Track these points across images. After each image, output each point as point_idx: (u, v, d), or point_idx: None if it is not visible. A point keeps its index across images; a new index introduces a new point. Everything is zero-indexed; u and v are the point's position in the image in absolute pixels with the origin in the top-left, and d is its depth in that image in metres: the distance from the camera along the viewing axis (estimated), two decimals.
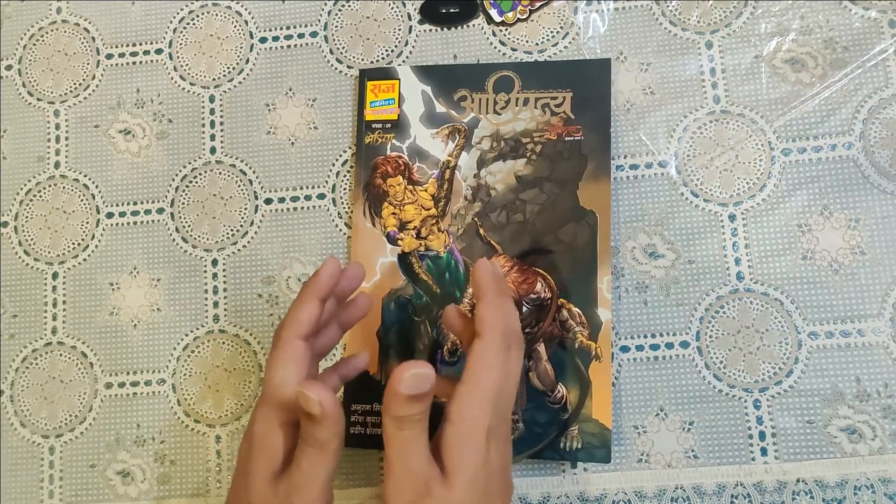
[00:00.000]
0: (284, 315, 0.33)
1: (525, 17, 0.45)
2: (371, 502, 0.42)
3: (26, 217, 0.47)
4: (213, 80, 0.47)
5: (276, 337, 0.32)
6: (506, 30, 0.46)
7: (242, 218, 0.46)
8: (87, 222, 0.46)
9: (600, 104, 0.42)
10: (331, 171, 0.45)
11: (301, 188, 0.45)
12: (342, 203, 0.45)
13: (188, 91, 0.47)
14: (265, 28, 0.47)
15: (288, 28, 0.47)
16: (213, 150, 0.46)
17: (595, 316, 0.40)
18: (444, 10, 0.46)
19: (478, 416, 0.30)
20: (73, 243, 0.46)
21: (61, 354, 0.45)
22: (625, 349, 0.42)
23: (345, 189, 0.45)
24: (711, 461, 0.40)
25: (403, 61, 0.46)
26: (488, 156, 0.43)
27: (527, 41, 0.45)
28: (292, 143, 0.46)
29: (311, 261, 0.45)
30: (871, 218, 0.41)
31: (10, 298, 0.46)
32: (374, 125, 0.44)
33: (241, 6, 0.48)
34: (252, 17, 0.48)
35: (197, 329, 0.45)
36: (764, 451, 0.40)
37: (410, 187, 0.43)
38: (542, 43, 0.45)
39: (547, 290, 0.41)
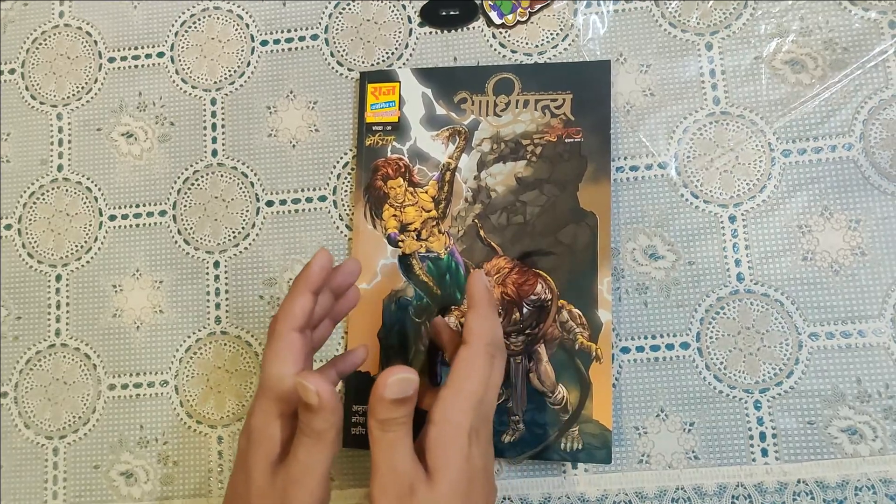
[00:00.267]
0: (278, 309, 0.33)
1: (525, 19, 0.45)
2: (365, 502, 0.42)
3: (30, 220, 0.47)
4: (215, 82, 0.47)
5: (270, 330, 0.33)
6: (506, 32, 0.46)
7: (244, 220, 0.46)
8: (90, 225, 0.47)
9: (600, 106, 0.42)
10: (332, 173, 0.46)
11: (302, 190, 0.46)
12: (343, 205, 0.45)
13: (190, 94, 0.48)
14: (266, 31, 0.48)
15: (289, 31, 0.47)
16: (214, 153, 0.47)
17: (595, 317, 0.40)
18: (444, 13, 0.46)
19: (460, 418, 0.31)
20: (76, 246, 0.47)
21: (65, 356, 0.45)
22: (625, 350, 0.42)
23: (346, 191, 0.45)
24: (712, 462, 0.40)
25: (404, 64, 0.46)
26: (488, 158, 0.43)
27: (527, 43, 0.45)
28: (293, 146, 0.46)
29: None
30: (872, 219, 0.41)
31: (13, 300, 0.46)
32: (374, 127, 0.45)
33: (242, 9, 0.48)
34: (253, 20, 0.48)
35: (199, 330, 0.45)
36: (765, 452, 0.40)
37: (411, 189, 0.44)
38: (541, 45, 0.45)
39: (547, 291, 0.41)
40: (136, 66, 0.48)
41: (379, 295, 0.43)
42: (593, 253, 0.41)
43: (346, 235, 0.45)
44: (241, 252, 0.45)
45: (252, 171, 0.46)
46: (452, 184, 0.43)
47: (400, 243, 0.43)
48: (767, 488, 0.40)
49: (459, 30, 0.46)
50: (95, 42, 0.49)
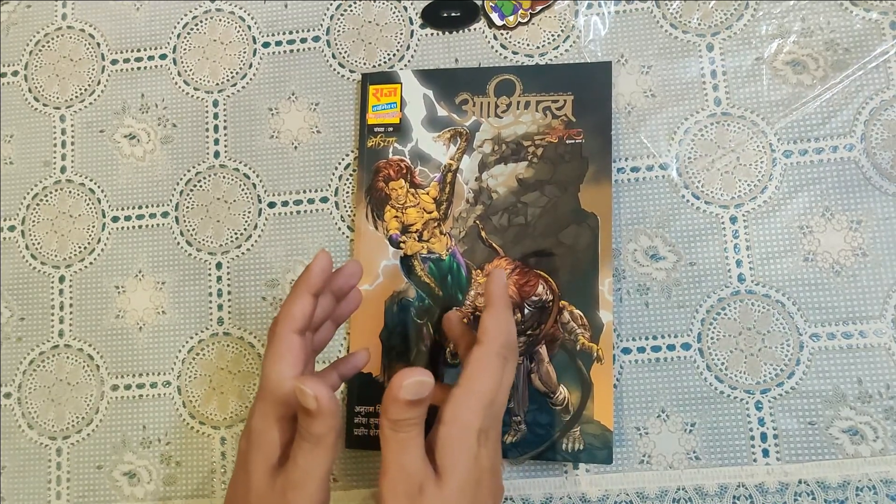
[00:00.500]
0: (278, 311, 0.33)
1: (526, 20, 0.46)
2: (369, 502, 0.42)
3: (33, 221, 0.47)
4: (217, 84, 0.48)
5: (270, 333, 0.33)
6: (507, 33, 0.46)
7: (246, 221, 0.46)
8: (93, 226, 0.47)
9: (601, 107, 0.42)
10: (333, 174, 0.46)
11: (304, 192, 0.46)
12: (345, 206, 0.45)
13: (192, 96, 0.48)
14: (268, 33, 0.48)
15: (290, 33, 0.48)
16: (216, 155, 0.47)
17: (596, 318, 0.40)
18: (445, 14, 0.46)
19: (470, 419, 0.31)
20: (80, 247, 0.47)
21: (68, 357, 0.46)
22: (626, 351, 0.42)
23: (347, 192, 0.45)
24: (713, 462, 0.40)
25: (405, 65, 0.46)
26: (490, 159, 0.43)
27: (528, 45, 0.45)
28: (295, 147, 0.46)
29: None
30: (873, 219, 0.41)
31: (17, 301, 0.47)
32: (376, 129, 0.45)
33: (244, 11, 0.48)
34: (255, 22, 0.48)
35: (201, 332, 0.45)
36: (766, 453, 0.40)
37: (412, 190, 0.44)
38: (543, 46, 0.45)
39: (548, 292, 0.41)
40: (138, 68, 0.48)
41: (381, 296, 0.43)
42: (594, 254, 0.41)
43: (347, 237, 0.45)
44: (243, 253, 0.46)
45: (254, 172, 0.46)
46: (454, 185, 0.43)
47: (401, 244, 0.43)
48: (768, 489, 0.40)
49: (461, 31, 0.46)
50: (98, 44, 0.49)
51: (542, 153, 0.43)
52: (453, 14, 0.46)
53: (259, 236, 0.46)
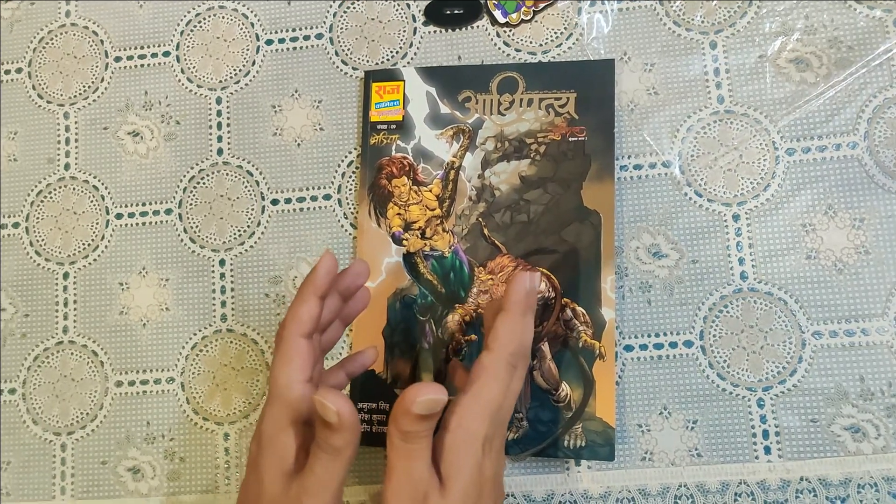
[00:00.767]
0: (285, 314, 0.33)
1: (529, 18, 0.46)
2: (367, 501, 0.42)
3: (37, 218, 0.48)
4: (220, 81, 0.48)
5: (278, 336, 0.33)
6: (510, 31, 0.46)
7: (249, 218, 0.46)
8: (97, 223, 0.47)
9: (604, 105, 0.42)
10: (336, 171, 0.46)
11: (307, 189, 0.46)
12: (348, 204, 0.45)
13: (195, 93, 0.48)
14: (271, 30, 0.48)
15: (293, 30, 0.48)
16: (220, 152, 0.47)
17: (599, 315, 0.40)
18: (448, 12, 0.46)
19: (476, 426, 0.30)
20: (84, 244, 0.47)
21: (72, 353, 0.46)
22: (628, 348, 0.42)
23: (350, 190, 0.45)
24: (715, 459, 0.40)
25: (408, 63, 0.46)
26: (492, 156, 0.43)
27: (531, 42, 0.45)
28: (298, 145, 0.46)
29: (317, 261, 0.45)
30: (876, 217, 0.41)
31: (21, 298, 0.47)
32: (379, 126, 0.45)
33: (248, 8, 0.48)
34: (258, 20, 0.48)
35: (205, 328, 0.45)
36: (767, 450, 0.40)
37: (415, 188, 0.44)
38: (545, 44, 0.45)
39: (551, 289, 0.41)
40: (142, 66, 0.49)
41: (383, 293, 0.43)
42: (597, 251, 0.41)
43: (350, 234, 0.45)
44: (246, 250, 0.46)
45: (257, 169, 0.46)
46: (456, 182, 0.43)
47: (404, 242, 0.43)
48: (770, 486, 0.40)
49: (463, 29, 0.46)
50: (102, 41, 0.49)
51: (544, 151, 0.43)
52: (456, 11, 0.46)
53: (262, 233, 0.46)
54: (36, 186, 0.48)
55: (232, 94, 0.47)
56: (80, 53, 0.49)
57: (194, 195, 0.47)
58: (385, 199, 0.44)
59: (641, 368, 0.42)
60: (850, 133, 0.42)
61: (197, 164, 0.47)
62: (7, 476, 0.45)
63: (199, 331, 0.45)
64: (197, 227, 0.46)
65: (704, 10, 0.45)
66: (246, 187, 0.46)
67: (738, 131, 0.43)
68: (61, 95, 0.49)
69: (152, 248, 0.46)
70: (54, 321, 0.46)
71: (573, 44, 0.45)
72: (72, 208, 0.47)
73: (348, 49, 0.47)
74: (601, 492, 0.41)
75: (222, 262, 0.46)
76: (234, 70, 0.48)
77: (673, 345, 0.42)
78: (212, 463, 0.44)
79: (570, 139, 0.43)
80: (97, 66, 0.49)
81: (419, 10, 0.47)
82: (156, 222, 0.47)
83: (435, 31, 0.46)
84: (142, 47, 0.49)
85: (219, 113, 0.47)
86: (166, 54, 0.48)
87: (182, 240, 0.46)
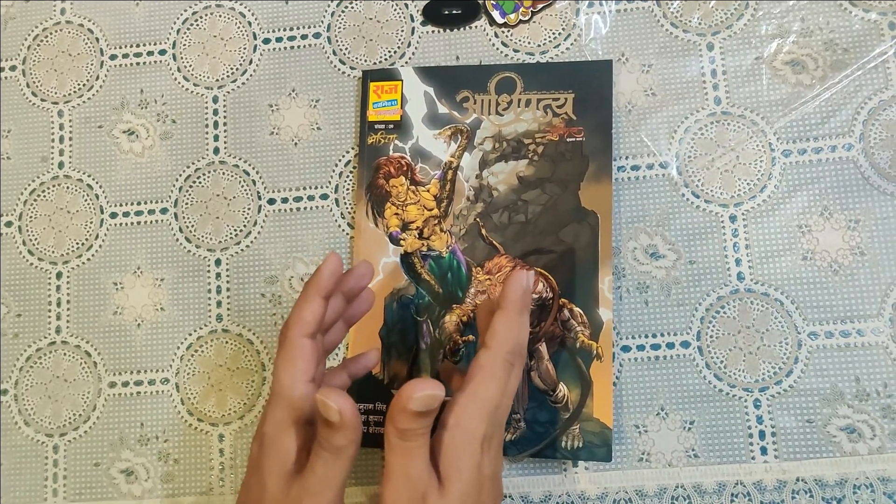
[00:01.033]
0: (288, 314, 0.33)
1: (527, 18, 0.46)
2: (365, 502, 0.42)
3: (30, 217, 0.47)
4: (217, 80, 0.47)
5: (281, 337, 0.32)
6: (508, 31, 0.46)
7: (245, 218, 0.46)
8: (91, 222, 0.47)
9: (602, 105, 0.42)
10: (333, 171, 0.46)
11: (304, 188, 0.46)
12: (345, 203, 0.45)
13: (192, 92, 0.48)
14: (268, 29, 0.48)
15: (291, 29, 0.48)
16: (216, 151, 0.47)
17: (596, 316, 0.40)
18: (446, 12, 0.46)
19: (474, 425, 0.30)
20: (77, 243, 0.47)
21: (65, 354, 0.45)
22: (626, 349, 0.42)
23: (347, 189, 0.45)
24: (712, 460, 0.40)
25: (406, 62, 0.46)
26: (490, 157, 0.43)
27: (529, 43, 0.46)
28: (295, 144, 0.46)
29: (314, 261, 0.45)
30: (871, 219, 0.42)
31: (14, 298, 0.46)
32: (376, 126, 0.45)
33: (245, 7, 0.48)
34: (255, 18, 0.48)
35: (200, 328, 0.45)
36: (764, 451, 0.40)
37: (413, 188, 0.44)
38: (543, 44, 0.45)
39: (548, 290, 0.41)
40: (137, 64, 0.48)
41: (381, 293, 0.43)
42: (594, 252, 0.41)
43: (347, 234, 0.45)
44: (242, 250, 0.45)
45: (254, 168, 0.46)
46: (454, 182, 0.43)
47: (402, 242, 0.43)
48: (766, 486, 0.40)
49: (461, 29, 0.46)
50: (97, 39, 0.49)
51: (542, 151, 0.43)
52: (454, 11, 0.46)
53: (259, 233, 0.46)
54: (29, 185, 0.48)
55: (229, 93, 0.47)
56: (74, 51, 0.49)
57: (190, 194, 0.46)
58: (382, 198, 0.44)
59: (638, 369, 0.42)
60: (846, 135, 0.43)
61: (193, 163, 0.47)
62: None
63: (195, 331, 0.45)
64: (193, 226, 0.46)
65: (702, 11, 0.45)
66: (242, 187, 0.46)
67: (735, 133, 0.43)
68: (56, 93, 0.48)
69: (147, 247, 0.46)
70: (47, 321, 0.46)
71: (571, 44, 0.45)
72: (66, 207, 0.47)
73: (346, 48, 0.47)
74: (598, 493, 0.41)
75: (218, 262, 0.45)
76: (231, 69, 0.48)
77: (670, 345, 0.42)
78: (206, 465, 0.43)
79: (567, 140, 0.43)
80: (92, 64, 0.49)
81: (417, 10, 0.47)
82: (151, 222, 0.46)
83: (433, 31, 0.46)
84: (138, 45, 0.48)
85: (215, 112, 0.47)
86: (162, 52, 0.48)
87: (178, 239, 0.46)
